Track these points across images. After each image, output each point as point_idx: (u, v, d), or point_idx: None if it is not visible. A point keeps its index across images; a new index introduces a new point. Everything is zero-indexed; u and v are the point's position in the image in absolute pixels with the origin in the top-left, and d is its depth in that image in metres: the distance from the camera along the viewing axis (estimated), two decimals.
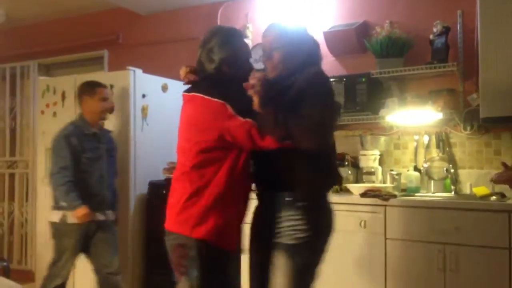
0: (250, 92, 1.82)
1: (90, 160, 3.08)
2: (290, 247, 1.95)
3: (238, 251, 2.15)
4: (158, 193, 3.60)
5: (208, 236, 1.95)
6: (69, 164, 3.01)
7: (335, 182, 2.33)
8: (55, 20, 5.03)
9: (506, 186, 2.99)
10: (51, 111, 3.96)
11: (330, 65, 3.66)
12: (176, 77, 3.91)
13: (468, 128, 3.21)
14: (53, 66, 5.19)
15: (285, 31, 2.09)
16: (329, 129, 1.98)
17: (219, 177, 1.95)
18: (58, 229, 3.11)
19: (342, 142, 3.60)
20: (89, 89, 3.19)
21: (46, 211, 3.95)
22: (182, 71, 2.16)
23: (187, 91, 2.10)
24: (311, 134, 1.82)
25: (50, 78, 4.38)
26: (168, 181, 3.60)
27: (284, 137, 1.84)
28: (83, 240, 3.09)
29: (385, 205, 2.86)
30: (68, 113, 3.85)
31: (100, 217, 3.10)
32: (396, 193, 3.03)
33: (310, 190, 1.98)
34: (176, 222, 2.01)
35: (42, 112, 4.02)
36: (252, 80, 1.83)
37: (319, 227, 2.00)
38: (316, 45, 2.15)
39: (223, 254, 2.00)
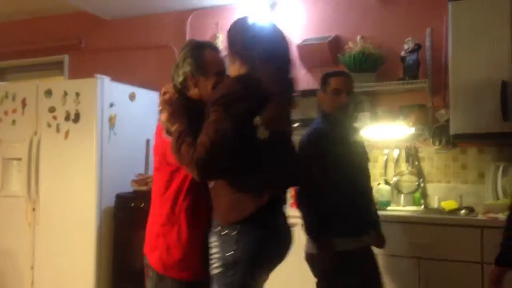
0: (160, 107, 1.76)
1: None
2: (212, 278, 1.77)
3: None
4: (125, 206, 3.48)
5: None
6: None
7: (274, 203, 1.80)
8: (13, 21, 4.80)
9: (474, 200, 3.09)
10: (9, 118, 3.76)
11: (302, 77, 3.68)
12: (144, 85, 3.88)
13: (437, 143, 3.29)
14: (9, 70, 4.95)
15: (235, 29, 1.94)
16: (224, 151, 1.63)
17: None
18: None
19: None
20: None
21: (2, 224, 3.76)
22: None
23: None
24: (194, 166, 1.61)
25: (9, 84, 4.16)
26: (136, 193, 3.53)
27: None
28: None
29: None
30: (29, 121, 3.67)
31: None
32: None
33: (229, 214, 1.72)
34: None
35: (0, 120, 3.81)
36: (162, 95, 1.76)
37: (241, 256, 1.70)
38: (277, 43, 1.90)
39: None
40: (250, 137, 1.68)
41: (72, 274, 3.45)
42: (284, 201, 1.91)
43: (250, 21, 1.96)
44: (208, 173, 1.65)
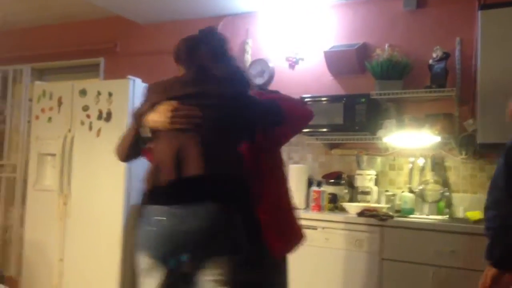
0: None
1: None
2: None
3: None
4: None
5: None
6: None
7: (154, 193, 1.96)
8: (51, 26, 5.00)
9: None
10: (46, 116, 3.92)
11: (329, 84, 3.73)
12: None
13: (463, 152, 3.27)
14: (46, 71, 5.15)
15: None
16: (121, 146, 2.13)
17: None
18: None
19: (338, 160, 3.66)
20: None
21: (34, 217, 3.91)
22: None
23: None
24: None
25: (46, 83, 4.34)
26: None
27: None
28: None
29: (382, 225, 2.88)
30: (64, 119, 3.82)
31: None
32: (392, 213, 3.06)
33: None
34: None
35: (37, 117, 3.98)
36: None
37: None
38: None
39: None
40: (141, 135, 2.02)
41: (99, 267, 3.56)
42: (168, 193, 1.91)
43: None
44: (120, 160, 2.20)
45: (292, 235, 2.25)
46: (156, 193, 1.93)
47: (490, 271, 1.84)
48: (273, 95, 2.30)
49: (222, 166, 1.94)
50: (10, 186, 4.97)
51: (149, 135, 1.99)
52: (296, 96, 3.51)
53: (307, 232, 3.01)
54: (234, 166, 1.98)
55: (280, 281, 2.24)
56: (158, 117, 1.92)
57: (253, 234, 2.01)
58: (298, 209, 2.46)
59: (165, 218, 1.87)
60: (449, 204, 3.27)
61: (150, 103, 1.98)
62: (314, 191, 3.21)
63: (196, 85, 1.97)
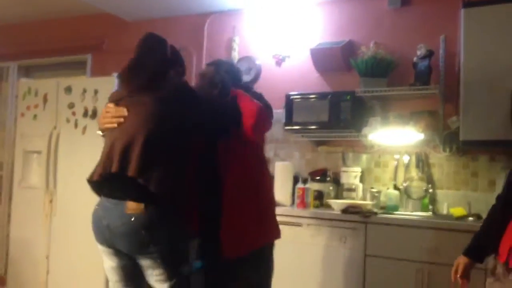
0: None
1: None
2: None
3: None
4: None
5: None
6: None
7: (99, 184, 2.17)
8: (38, 22, 4.96)
9: (483, 208, 3.08)
10: (31, 113, 3.90)
11: (315, 81, 3.74)
12: None
13: (447, 149, 3.29)
14: (33, 69, 5.11)
15: None
16: None
17: None
18: None
19: (324, 157, 3.67)
20: None
21: (20, 214, 3.90)
22: None
23: None
24: None
25: (32, 80, 4.32)
26: None
27: None
28: None
29: (366, 222, 2.91)
30: (50, 116, 3.81)
31: None
32: (376, 210, 3.08)
33: None
34: None
35: (22, 115, 3.96)
36: None
37: None
38: None
39: None
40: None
41: (85, 263, 3.55)
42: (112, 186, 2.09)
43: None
44: None
45: (246, 236, 2.23)
46: (97, 183, 2.14)
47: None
48: (242, 95, 2.31)
49: (144, 164, 1.98)
50: None
51: (102, 134, 2.26)
52: (282, 93, 3.55)
53: (292, 229, 3.06)
54: (164, 163, 2.02)
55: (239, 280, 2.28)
56: (99, 119, 2.25)
57: (209, 233, 2.20)
58: (267, 211, 2.39)
59: (98, 208, 2.13)
60: (433, 201, 3.30)
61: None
62: (299, 188, 3.22)
63: (128, 87, 2.18)
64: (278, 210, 3.11)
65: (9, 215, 4.21)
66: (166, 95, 2.09)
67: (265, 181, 2.37)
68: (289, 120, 3.48)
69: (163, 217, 2.00)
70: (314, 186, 3.37)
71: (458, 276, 2.05)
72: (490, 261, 2.02)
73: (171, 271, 2.04)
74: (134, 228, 1.97)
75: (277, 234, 2.40)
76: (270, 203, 2.40)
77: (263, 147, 2.43)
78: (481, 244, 2.05)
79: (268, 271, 2.34)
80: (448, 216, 3.10)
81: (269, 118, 2.35)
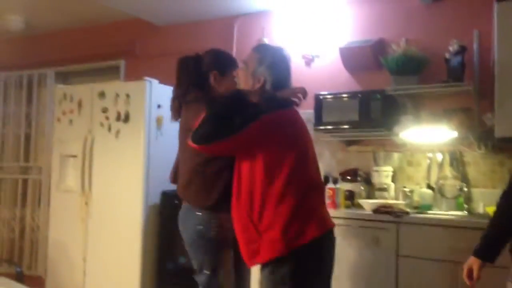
0: None
1: None
2: None
3: None
4: (170, 203, 3.61)
5: None
6: None
7: None
8: (73, 29, 5.11)
9: None
10: (67, 118, 4.02)
11: (345, 80, 3.70)
12: None
13: (482, 147, 3.20)
14: (70, 75, 5.26)
15: None
16: None
17: None
18: None
19: (355, 157, 3.63)
20: None
21: (58, 217, 4.01)
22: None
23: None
24: None
25: (67, 86, 4.44)
26: None
27: None
28: None
29: (398, 222, 2.86)
30: (84, 121, 3.91)
31: None
32: (409, 210, 3.03)
33: None
34: None
35: (59, 120, 4.08)
36: None
37: None
38: None
39: None
40: None
41: (120, 265, 3.64)
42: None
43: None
44: None
45: (255, 246, 2.04)
46: None
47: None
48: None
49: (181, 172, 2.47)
50: (37, 187, 5.10)
51: None
52: (311, 93, 3.52)
53: None
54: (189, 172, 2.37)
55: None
56: None
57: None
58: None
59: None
60: (468, 200, 3.21)
61: None
62: (329, 189, 3.20)
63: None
64: None
65: (48, 219, 4.34)
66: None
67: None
68: (319, 120, 3.46)
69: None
70: (345, 186, 3.34)
71: (474, 279, 1.98)
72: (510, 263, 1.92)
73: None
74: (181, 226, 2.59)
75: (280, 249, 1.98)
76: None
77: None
78: (492, 243, 1.97)
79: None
80: (484, 215, 3.00)
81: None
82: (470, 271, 2.00)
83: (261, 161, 1.99)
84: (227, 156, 2.19)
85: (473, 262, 1.99)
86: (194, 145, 2.06)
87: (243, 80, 2.19)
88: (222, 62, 2.47)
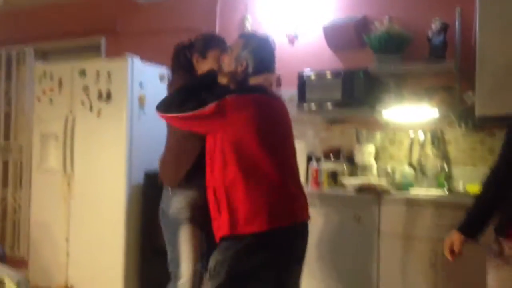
0: None
1: None
2: None
3: None
4: (153, 183, 3.58)
5: None
6: None
7: None
8: (52, 5, 4.99)
9: None
10: (47, 97, 3.95)
11: (328, 59, 3.69)
12: None
13: (463, 125, 3.23)
14: (50, 52, 5.15)
15: None
16: None
17: None
18: None
19: (337, 136, 3.65)
20: None
21: (40, 198, 3.98)
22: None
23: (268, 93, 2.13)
24: None
25: (47, 65, 4.34)
26: None
27: None
28: None
29: (380, 201, 2.89)
30: (65, 100, 3.85)
31: None
32: (390, 188, 3.06)
33: None
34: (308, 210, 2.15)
35: (38, 99, 4.01)
36: None
37: None
38: None
39: None
40: None
41: (104, 245, 3.63)
42: None
43: None
44: None
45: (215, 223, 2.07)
46: None
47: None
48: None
49: None
50: (18, 167, 5.04)
51: None
52: (295, 72, 3.52)
53: None
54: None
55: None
56: None
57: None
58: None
59: None
60: (449, 178, 3.25)
61: None
62: (312, 168, 3.21)
63: None
64: None
65: (29, 199, 4.29)
66: None
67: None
68: (302, 99, 3.45)
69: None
70: (327, 165, 3.35)
71: (456, 254, 2.02)
72: (493, 241, 1.93)
73: None
74: None
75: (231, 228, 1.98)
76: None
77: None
78: (475, 219, 1.99)
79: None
80: (465, 194, 3.06)
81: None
82: (451, 246, 2.01)
83: (220, 143, 1.99)
84: (187, 131, 2.19)
85: (455, 237, 2.01)
86: (159, 114, 2.11)
87: (227, 64, 2.18)
88: (202, 44, 2.48)
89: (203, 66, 2.43)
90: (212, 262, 1.99)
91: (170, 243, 2.41)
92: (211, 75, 2.18)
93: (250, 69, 2.13)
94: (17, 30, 5.12)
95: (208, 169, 2.08)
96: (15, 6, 5.01)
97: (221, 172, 1.98)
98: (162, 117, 2.11)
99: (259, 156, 1.96)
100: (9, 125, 5.15)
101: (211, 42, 2.49)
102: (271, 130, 2.04)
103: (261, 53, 2.16)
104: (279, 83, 2.21)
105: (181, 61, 2.51)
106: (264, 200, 1.94)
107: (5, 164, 5.12)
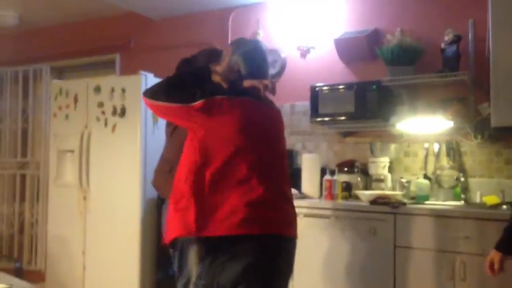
0: None
1: None
2: None
3: None
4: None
5: None
6: None
7: None
8: (67, 24, 5.08)
9: None
10: (63, 113, 4.01)
11: (340, 71, 3.70)
12: None
13: (479, 137, 3.21)
14: (66, 69, 5.25)
15: None
16: None
17: None
18: None
19: (351, 148, 3.64)
20: None
21: (57, 212, 4.02)
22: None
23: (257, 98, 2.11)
24: None
25: (62, 81, 4.42)
26: None
27: None
28: None
29: (395, 213, 2.87)
30: (80, 116, 3.90)
31: None
32: (406, 200, 3.04)
33: None
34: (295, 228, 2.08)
35: (55, 115, 4.07)
36: None
37: None
38: None
39: None
40: None
41: (119, 259, 3.64)
42: None
43: None
44: None
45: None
46: None
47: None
48: None
49: None
50: (35, 182, 5.10)
51: None
52: (307, 85, 3.53)
53: (320, 221, 3.05)
54: None
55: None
56: None
57: None
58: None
59: None
60: (465, 190, 3.22)
61: None
62: (326, 180, 3.20)
63: None
64: (305, 203, 3.16)
65: (46, 213, 4.34)
66: None
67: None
68: (315, 112, 3.46)
69: None
70: (342, 177, 3.34)
71: (496, 271, 2.02)
72: None
73: None
74: None
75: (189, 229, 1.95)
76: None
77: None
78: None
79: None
80: (481, 205, 3.03)
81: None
82: (491, 264, 2.03)
83: (197, 142, 1.96)
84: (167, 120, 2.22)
85: (494, 254, 2.04)
86: (144, 100, 2.07)
87: (220, 72, 2.13)
88: (205, 59, 2.48)
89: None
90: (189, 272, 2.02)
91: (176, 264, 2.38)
92: (205, 70, 2.12)
93: (243, 71, 2.11)
94: (34, 49, 5.22)
95: (181, 166, 2.04)
96: (31, 25, 5.12)
97: (193, 172, 1.94)
98: (147, 103, 2.06)
99: (235, 160, 1.93)
100: (26, 141, 5.23)
101: (213, 57, 2.49)
102: (254, 135, 2.01)
103: (250, 57, 2.15)
104: (273, 90, 2.16)
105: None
106: (232, 205, 1.88)
107: (23, 180, 5.18)
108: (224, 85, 2.04)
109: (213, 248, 1.90)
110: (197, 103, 1.93)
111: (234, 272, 1.86)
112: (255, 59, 2.17)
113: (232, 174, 1.92)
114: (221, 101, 1.96)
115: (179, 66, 2.61)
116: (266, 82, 2.11)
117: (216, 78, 2.07)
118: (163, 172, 2.64)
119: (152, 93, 2.03)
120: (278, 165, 2.10)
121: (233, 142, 1.95)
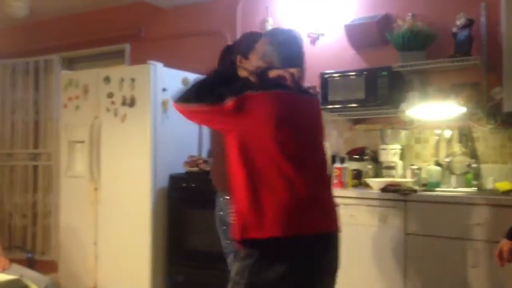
0: None
1: None
2: None
3: None
4: (178, 186, 3.64)
5: None
6: None
7: None
8: (77, 14, 5.09)
9: None
10: (73, 104, 4.02)
11: (351, 58, 3.66)
12: (197, 70, 4.00)
13: (492, 122, 3.16)
14: (76, 60, 5.25)
15: None
16: None
17: None
18: None
19: (362, 136, 3.61)
20: None
21: (68, 203, 4.05)
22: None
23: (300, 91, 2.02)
24: None
25: (72, 72, 4.43)
26: (188, 174, 3.68)
27: None
28: None
29: (406, 200, 2.84)
30: (91, 106, 3.91)
31: None
32: (417, 188, 3.01)
33: None
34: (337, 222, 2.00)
35: (65, 106, 4.09)
36: None
37: None
38: None
39: None
40: None
41: (130, 249, 3.67)
42: None
43: None
44: None
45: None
46: None
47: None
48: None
49: None
50: (47, 173, 5.14)
51: None
52: (317, 72, 3.50)
53: None
54: None
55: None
56: None
57: None
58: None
59: None
60: (477, 176, 3.18)
61: None
62: (336, 168, 3.18)
63: None
64: None
65: (59, 204, 4.37)
66: None
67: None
68: (325, 99, 3.42)
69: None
70: (352, 165, 3.32)
71: (504, 261, 2.01)
72: None
73: None
74: None
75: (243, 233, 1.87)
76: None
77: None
78: None
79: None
80: (494, 191, 2.98)
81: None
82: (501, 253, 2.02)
83: (235, 143, 1.87)
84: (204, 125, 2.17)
85: (504, 243, 2.02)
86: (176, 107, 1.99)
87: (254, 64, 2.07)
88: (244, 45, 2.39)
89: (246, 67, 2.35)
90: (233, 271, 1.90)
91: (230, 251, 2.41)
92: (231, 69, 2.08)
93: (276, 63, 1.99)
94: (44, 40, 5.23)
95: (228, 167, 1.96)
96: (41, 15, 5.13)
97: (236, 173, 1.87)
98: (179, 109, 1.97)
99: (277, 157, 1.83)
100: (38, 132, 5.26)
101: (252, 42, 2.34)
102: (292, 129, 1.90)
103: (286, 47, 2.04)
104: (301, 79, 2.05)
105: (226, 64, 2.50)
106: (280, 205, 1.79)
107: (35, 171, 5.23)
108: (252, 79, 1.95)
109: (260, 247, 1.82)
110: (228, 103, 1.83)
111: (277, 273, 1.79)
112: (291, 49, 2.05)
113: (275, 173, 1.83)
114: (252, 97, 1.86)
115: (222, 54, 2.56)
116: (293, 70, 1.97)
117: (242, 73, 1.98)
118: (216, 170, 2.57)
119: (182, 99, 1.95)
120: (320, 159, 2.03)
121: (272, 139, 1.84)
